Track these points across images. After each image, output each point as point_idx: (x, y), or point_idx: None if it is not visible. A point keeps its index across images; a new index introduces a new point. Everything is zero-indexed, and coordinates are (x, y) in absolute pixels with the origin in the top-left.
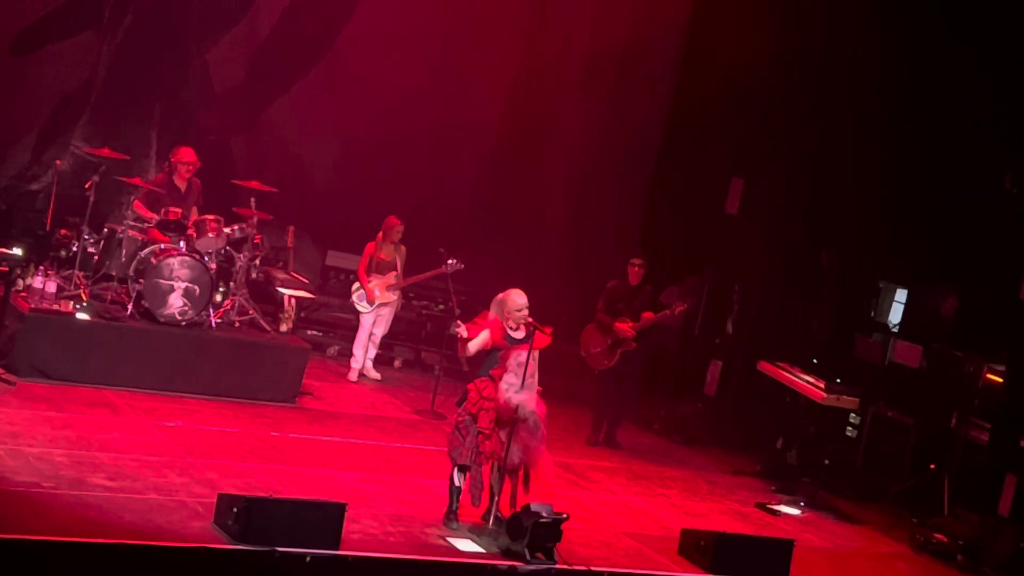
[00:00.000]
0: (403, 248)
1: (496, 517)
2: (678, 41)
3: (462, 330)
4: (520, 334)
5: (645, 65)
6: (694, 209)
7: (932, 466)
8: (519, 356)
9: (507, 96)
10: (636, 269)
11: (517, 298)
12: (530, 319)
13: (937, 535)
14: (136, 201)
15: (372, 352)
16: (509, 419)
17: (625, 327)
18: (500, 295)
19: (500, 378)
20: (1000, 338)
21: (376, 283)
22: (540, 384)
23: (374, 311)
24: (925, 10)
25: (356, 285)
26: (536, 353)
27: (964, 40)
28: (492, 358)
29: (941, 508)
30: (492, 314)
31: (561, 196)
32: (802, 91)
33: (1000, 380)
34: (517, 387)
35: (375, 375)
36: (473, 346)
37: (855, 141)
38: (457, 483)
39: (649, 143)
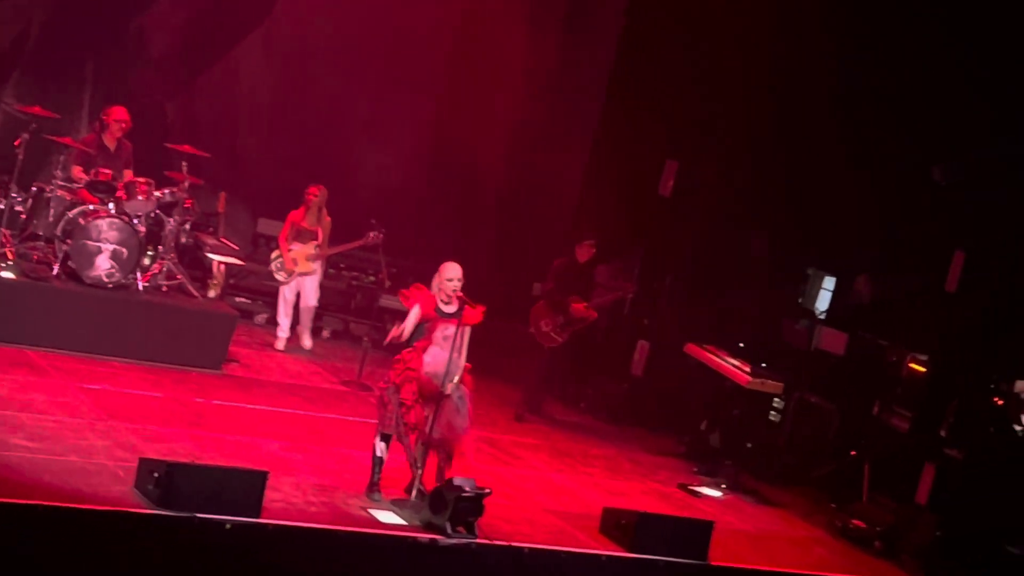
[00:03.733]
0: (327, 218)
1: (419, 490)
2: (618, 21)
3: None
4: (452, 308)
5: (585, 43)
6: (629, 189)
7: (853, 452)
8: (446, 329)
9: (446, 66)
10: (587, 248)
11: (449, 270)
12: (461, 294)
13: (855, 521)
14: (75, 165)
15: (307, 323)
16: (432, 393)
17: (580, 307)
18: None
19: (425, 350)
20: (926, 328)
21: (296, 252)
22: (469, 360)
23: (293, 280)
24: None
25: (275, 253)
26: (467, 329)
27: (903, 27)
28: (421, 329)
29: (860, 494)
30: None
31: (498, 171)
32: (739, 75)
33: (923, 370)
34: (439, 360)
35: (308, 344)
36: (408, 329)
37: (789, 127)
38: (379, 454)
39: (587, 122)
